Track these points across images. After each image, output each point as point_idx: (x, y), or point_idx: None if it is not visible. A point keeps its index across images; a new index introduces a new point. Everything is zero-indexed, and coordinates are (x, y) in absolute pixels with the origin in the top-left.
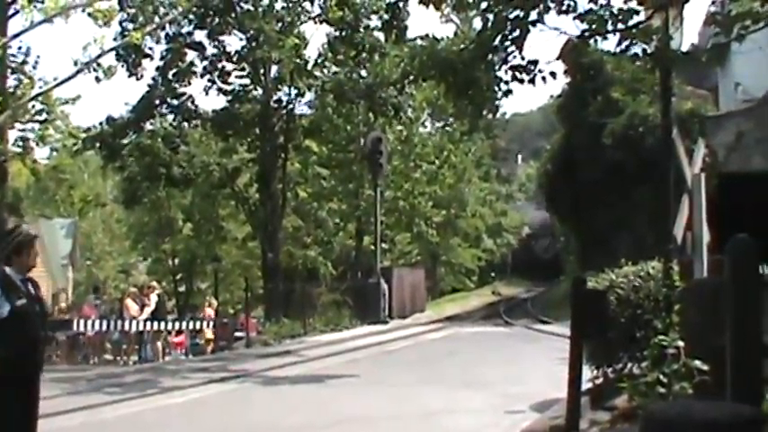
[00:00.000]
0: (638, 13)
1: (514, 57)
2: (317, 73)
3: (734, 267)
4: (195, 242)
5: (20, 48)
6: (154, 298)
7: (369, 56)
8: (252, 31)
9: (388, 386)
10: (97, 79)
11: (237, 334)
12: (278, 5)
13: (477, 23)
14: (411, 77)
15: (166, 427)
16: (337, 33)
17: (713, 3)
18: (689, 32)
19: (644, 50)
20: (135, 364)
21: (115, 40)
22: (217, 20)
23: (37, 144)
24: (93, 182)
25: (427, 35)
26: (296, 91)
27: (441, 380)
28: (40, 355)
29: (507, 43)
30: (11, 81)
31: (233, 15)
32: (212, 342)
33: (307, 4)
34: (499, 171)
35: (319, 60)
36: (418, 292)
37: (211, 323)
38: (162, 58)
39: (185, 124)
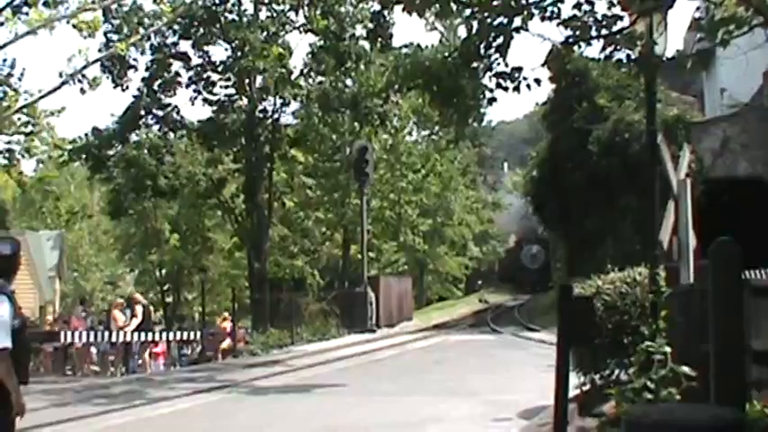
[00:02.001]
0: (621, 18)
1: (498, 64)
2: (303, 82)
3: (716, 271)
4: (182, 253)
5: (5, 60)
6: (140, 309)
7: (354, 65)
8: (237, 41)
9: (375, 395)
10: (82, 91)
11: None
12: (262, 15)
13: (462, 31)
14: (396, 86)
15: None
16: (322, 43)
17: (697, 8)
18: (673, 38)
19: (628, 56)
20: (122, 375)
21: (100, 51)
22: (202, 30)
23: (23, 156)
24: (79, 193)
25: (411, 43)
26: (281, 101)
27: (428, 388)
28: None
29: (491, 50)
30: None
31: (218, 26)
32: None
33: (291, 14)
34: (485, 179)
35: (304, 70)
36: (405, 301)
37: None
38: (147, 69)
39: (171, 135)
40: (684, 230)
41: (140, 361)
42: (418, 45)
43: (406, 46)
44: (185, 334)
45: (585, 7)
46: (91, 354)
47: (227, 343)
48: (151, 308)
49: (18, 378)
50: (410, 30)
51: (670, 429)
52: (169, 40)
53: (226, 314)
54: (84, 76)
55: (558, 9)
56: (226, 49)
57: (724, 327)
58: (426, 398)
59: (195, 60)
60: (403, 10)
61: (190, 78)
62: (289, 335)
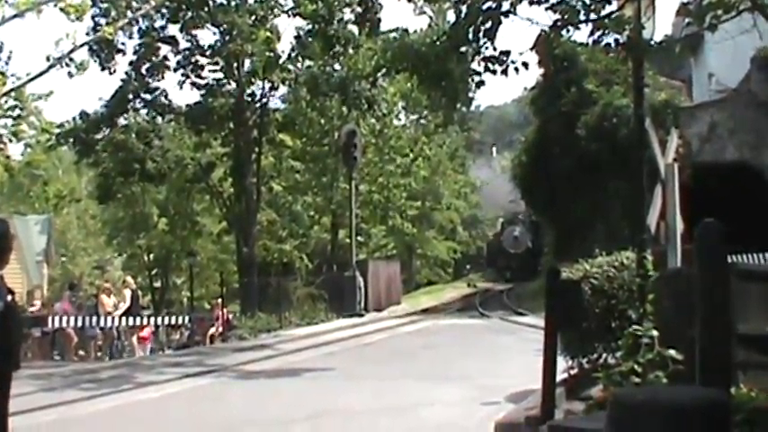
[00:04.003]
0: (610, 2)
1: (487, 48)
2: (291, 66)
3: (701, 252)
4: (170, 237)
5: None
6: (128, 293)
7: (342, 49)
8: (225, 25)
9: (364, 379)
10: (70, 74)
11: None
12: None
13: (451, 15)
14: (384, 70)
15: (141, 422)
16: (311, 27)
17: None
18: (662, 23)
19: (616, 41)
20: (110, 359)
21: (87, 34)
22: (190, 14)
23: (10, 140)
24: (67, 178)
25: (398, 28)
26: (269, 85)
27: (417, 372)
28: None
29: (480, 35)
30: None
31: (206, 9)
32: (214, 338)
33: None
34: (474, 161)
35: (293, 54)
36: (394, 285)
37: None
38: (135, 53)
39: (159, 119)
40: (672, 215)
41: (126, 343)
42: (405, 29)
43: (394, 30)
44: (174, 318)
45: None
46: (80, 338)
47: (214, 328)
48: (139, 292)
49: (9, 364)
50: (399, 14)
51: (655, 410)
52: (157, 24)
53: (218, 301)
54: (71, 59)
55: None
56: (214, 33)
57: (709, 308)
58: (415, 382)
59: (183, 44)
60: None
61: (178, 62)
62: (277, 319)
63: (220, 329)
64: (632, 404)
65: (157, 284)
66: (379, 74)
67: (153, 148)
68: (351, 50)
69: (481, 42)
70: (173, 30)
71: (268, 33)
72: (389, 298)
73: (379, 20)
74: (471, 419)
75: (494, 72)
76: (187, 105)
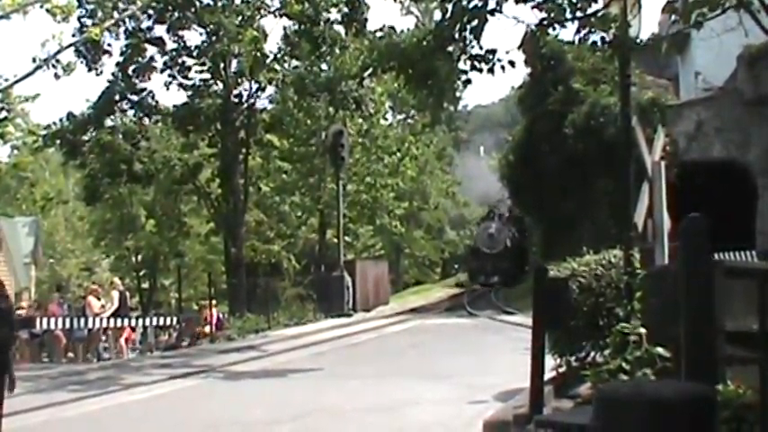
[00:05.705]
0: (596, 0)
1: (473, 47)
2: (278, 67)
3: (685, 243)
4: (158, 238)
5: None
6: (116, 295)
7: (329, 49)
8: (211, 26)
9: (352, 379)
10: (56, 76)
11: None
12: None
13: (438, 16)
14: (371, 70)
15: (129, 423)
16: (297, 27)
17: None
18: (648, 21)
19: (603, 39)
20: (98, 361)
21: (74, 36)
22: (176, 14)
23: None
24: (54, 179)
25: (384, 27)
26: (256, 85)
27: (405, 372)
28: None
29: (466, 33)
30: None
31: (192, 10)
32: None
33: None
34: (460, 162)
35: (279, 54)
36: (382, 285)
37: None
38: (122, 54)
39: (146, 120)
40: (659, 213)
41: (108, 345)
42: (392, 28)
43: (380, 29)
44: (162, 320)
45: None
46: (68, 340)
47: (208, 328)
48: (127, 294)
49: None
50: (385, 15)
51: (639, 405)
52: (143, 25)
53: (211, 302)
54: (58, 61)
55: None
56: (201, 34)
57: (693, 299)
58: (403, 381)
59: (170, 45)
60: None
61: (165, 63)
62: (265, 319)
63: (208, 330)
64: (617, 398)
65: (145, 285)
66: (365, 74)
67: (140, 150)
68: (338, 50)
69: (467, 41)
70: (159, 30)
71: (255, 34)
72: (377, 298)
73: (366, 20)
74: (460, 418)
75: (480, 71)
76: (174, 106)
